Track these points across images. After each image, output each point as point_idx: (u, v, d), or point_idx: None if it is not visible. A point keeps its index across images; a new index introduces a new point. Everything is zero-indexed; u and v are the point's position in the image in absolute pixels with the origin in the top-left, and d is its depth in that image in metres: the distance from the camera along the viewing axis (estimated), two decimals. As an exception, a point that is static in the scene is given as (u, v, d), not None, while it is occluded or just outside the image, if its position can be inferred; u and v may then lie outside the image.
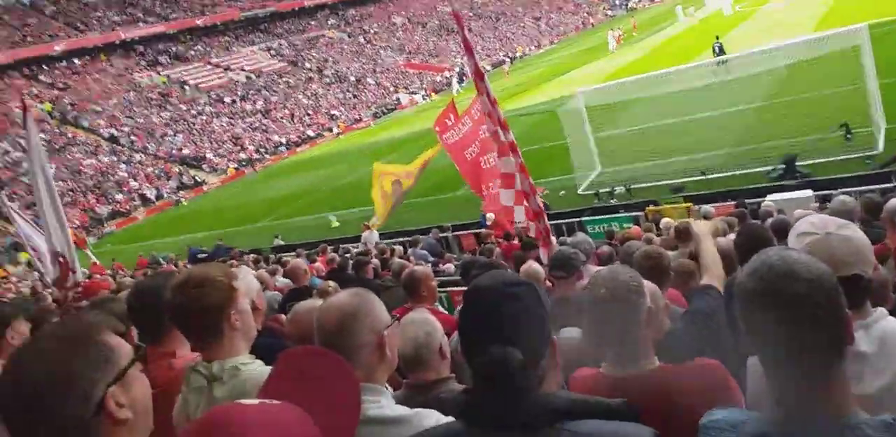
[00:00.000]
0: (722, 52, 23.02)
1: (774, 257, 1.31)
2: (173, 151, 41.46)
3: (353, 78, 56.38)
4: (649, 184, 14.71)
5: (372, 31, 67.58)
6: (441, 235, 13.75)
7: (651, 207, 12.21)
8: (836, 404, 1.26)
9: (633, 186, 14.76)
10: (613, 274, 1.92)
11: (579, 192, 15.80)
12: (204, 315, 1.92)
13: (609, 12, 78.53)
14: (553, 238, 7.01)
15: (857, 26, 14.27)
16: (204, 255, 16.74)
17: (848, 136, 13.02)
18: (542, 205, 7.96)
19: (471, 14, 75.67)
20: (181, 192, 36.78)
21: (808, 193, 10.33)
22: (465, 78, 53.50)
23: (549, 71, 42.57)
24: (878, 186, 9.88)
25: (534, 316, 1.43)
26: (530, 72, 45.75)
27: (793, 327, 1.24)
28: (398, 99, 53.02)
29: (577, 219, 13.11)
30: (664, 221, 9.54)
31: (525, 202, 8.76)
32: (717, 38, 24.66)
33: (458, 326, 1.51)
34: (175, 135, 43.39)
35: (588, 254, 5.86)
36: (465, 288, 4.50)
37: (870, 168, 11.77)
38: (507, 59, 57.65)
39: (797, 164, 12.59)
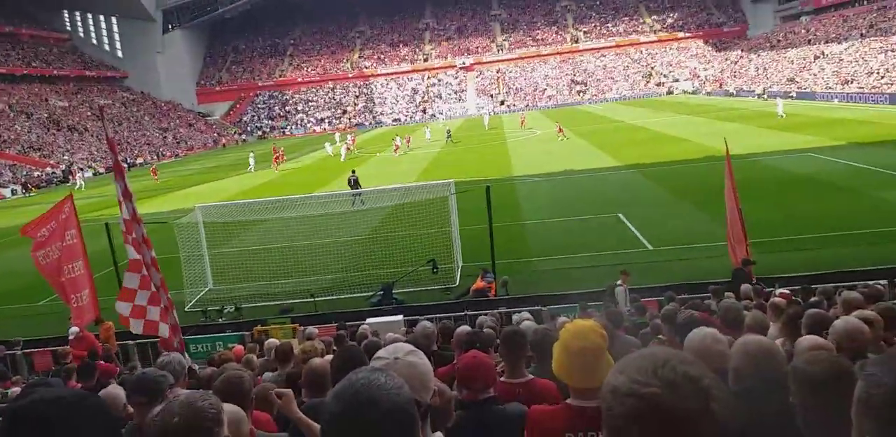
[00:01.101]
0: (357, 184, 24.39)
1: (361, 381, 1.37)
2: None
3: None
4: (260, 304, 14.69)
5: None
6: (7, 352, 11.50)
7: (258, 327, 12.12)
8: None
9: (243, 306, 14.55)
10: (190, 400, 1.80)
11: (186, 309, 14.93)
12: None
13: (242, 137, 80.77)
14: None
15: (447, 181, 17.10)
16: None
17: (435, 270, 15.00)
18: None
19: (89, 113, 70.59)
20: None
21: (399, 317, 11.41)
22: (81, 173, 48.77)
23: (174, 182, 41.19)
24: (453, 314, 11.47)
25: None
26: (148, 181, 43.55)
27: None
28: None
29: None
30: (268, 341, 9.51)
31: (167, 319, 8.36)
32: (354, 171, 25.73)
33: None
34: None
35: (178, 375, 5.48)
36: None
37: (449, 298, 13.66)
38: (125, 166, 54.28)
39: (394, 291, 13.96)
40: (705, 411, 1.09)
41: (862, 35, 57.23)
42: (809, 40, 64.89)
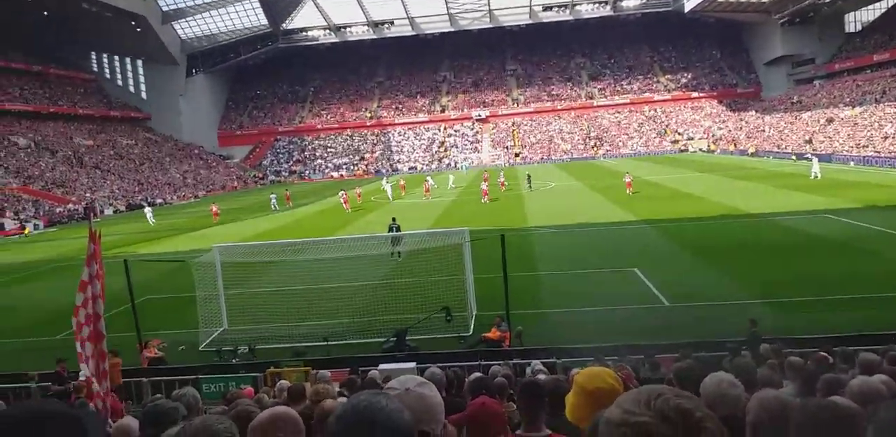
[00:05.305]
0: (398, 231, 23.59)
1: (363, 403, 1.39)
2: None
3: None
4: (273, 346, 14.67)
5: (-16, 149, 59.43)
6: (22, 385, 11.52)
7: (271, 369, 12.13)
8: None
9: (257, 347, 14.56)
10: (207, 423, 1.84)
11: (200, 348, 14.99)
12: None
13: (265, 180, 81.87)
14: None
15: (461, 229, 17.25)
16: None
17: (448, 318, 14.99)
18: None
19: (111, 153, 72.08)
20: None
21: (412, 364, 11.36)
22: (150, 209, 49.32)
23: (194, 223, 41.63)
24: (466, 363, 11.43)
25: None
26: (172, 220, 44.18)
27: None
28: (1, 224, 46.25)
29: (194, 376, 12.29)
30: (280, 383, 9.55)
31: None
32: (394, 219, 25.22)
33: None
34: None
35: (192, 408, 5.59)
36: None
37: (462, 347, 13.63)
38: (146, 204, 55.05)
39: (407, 338, 13.94)
40: None
41: (876, 100, 57.97)
42: (824, 103, 65.76)
